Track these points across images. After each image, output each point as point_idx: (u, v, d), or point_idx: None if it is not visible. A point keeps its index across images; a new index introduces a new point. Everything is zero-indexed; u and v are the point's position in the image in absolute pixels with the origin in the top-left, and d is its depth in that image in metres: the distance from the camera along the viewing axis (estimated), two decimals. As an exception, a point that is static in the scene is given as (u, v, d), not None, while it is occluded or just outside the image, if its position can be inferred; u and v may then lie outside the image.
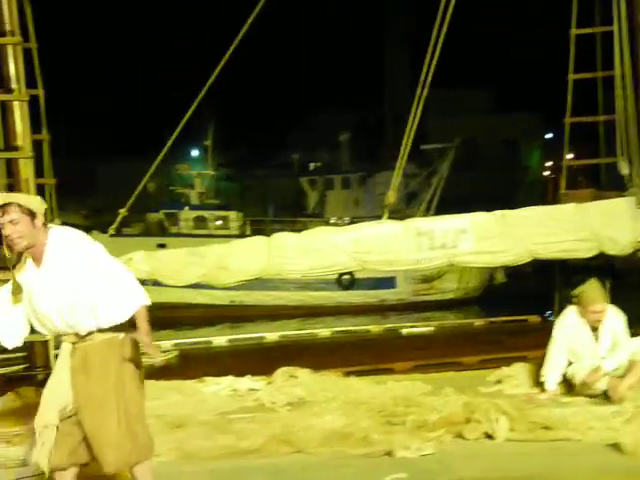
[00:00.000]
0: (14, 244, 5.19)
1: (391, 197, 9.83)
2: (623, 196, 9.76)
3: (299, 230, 10.46)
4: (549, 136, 55.39)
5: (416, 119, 9.77)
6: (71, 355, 5.39)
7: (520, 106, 58.48)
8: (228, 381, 8.79)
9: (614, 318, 8.25)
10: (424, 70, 9.76)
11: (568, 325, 8.26)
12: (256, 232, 28.91)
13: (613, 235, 9.30)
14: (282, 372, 8.78)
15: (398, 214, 27.87)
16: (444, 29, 9.62)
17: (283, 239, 9.29)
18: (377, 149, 50.37)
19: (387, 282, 29.80)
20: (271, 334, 12.04)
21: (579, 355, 8.20)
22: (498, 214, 9.44)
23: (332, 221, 34.84)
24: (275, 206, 42.84)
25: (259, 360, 10.05)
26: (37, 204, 5.29)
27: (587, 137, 11.49)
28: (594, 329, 8.19)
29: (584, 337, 8.21)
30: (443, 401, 7.65)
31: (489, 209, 9.55)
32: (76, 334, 5.36)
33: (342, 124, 48.49)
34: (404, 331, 11.84)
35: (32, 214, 5.19)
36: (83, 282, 5.16)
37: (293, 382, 8.58)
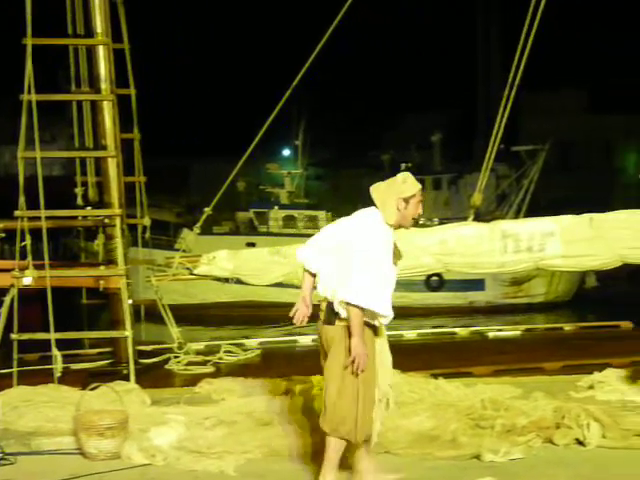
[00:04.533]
0: (414, 222, 6.11)
1: (477, 199, 9.75)
2: None
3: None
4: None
5: (504, 120, 9.68)
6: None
7: (616, 107, 57.31)
8: (316, 380, 8.82)
9: None
10: (513, 70, 9.67)
11: None
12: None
13: None
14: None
15: (489, 216, 27.68)
16: (534, 27, 9.51)
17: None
18: (469, 150, 50.04)
19: (476, 284, 29.54)
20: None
21: None
22: (587, 217, 9.28)
23: (421, 222, 34.64)
24: (364, 206, 42.71)
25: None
26: None
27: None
28: None
29: None
30: (533, 405, 7.56)
31: (582, 212, 9.40)
32: None
33: (434, 124, 48.22)
34: (490, 334, 11.74)
35: None
36: None
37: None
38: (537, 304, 30.34)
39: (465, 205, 34.66)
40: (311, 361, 10.44)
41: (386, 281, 5.87)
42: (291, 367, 9.47)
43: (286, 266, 9.69)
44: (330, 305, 6.01)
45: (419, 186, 6.07)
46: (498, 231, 9.10)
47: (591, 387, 8.48)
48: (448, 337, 11.90)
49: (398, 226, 6.07)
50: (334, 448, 5.98)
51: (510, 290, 30.59)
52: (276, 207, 35.77)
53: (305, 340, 11.82)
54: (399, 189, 6.03)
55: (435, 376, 8.72)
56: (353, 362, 5.81)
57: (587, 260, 9.45)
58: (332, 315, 5.99)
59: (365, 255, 5.80)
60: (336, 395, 5.95)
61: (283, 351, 11.43)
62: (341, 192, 52.60)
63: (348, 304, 5.78)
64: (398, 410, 7.65)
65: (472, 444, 6.82)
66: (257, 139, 10.62)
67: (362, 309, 5.76)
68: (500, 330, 12.12)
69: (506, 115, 9.75)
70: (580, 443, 6.91)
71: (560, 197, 40.13)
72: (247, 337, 14.40)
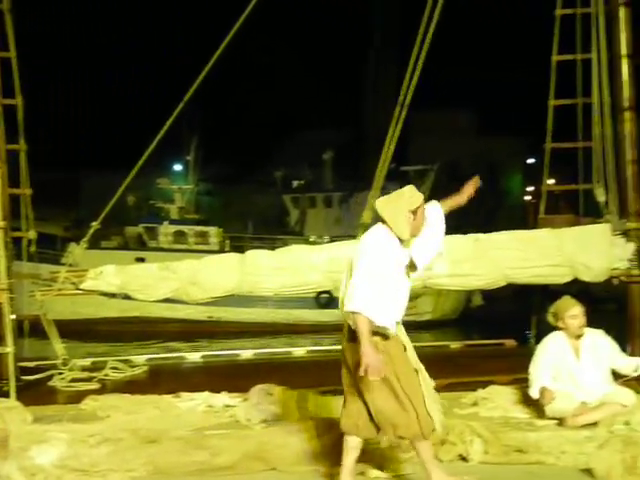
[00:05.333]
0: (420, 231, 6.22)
1: (367, 217, 9.84)
2: (599, 222, 9.83)
3: (278, 247, 10.46)
4: (531, 161, 55.83)
5: (394, 140, 9.82)
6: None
7: (503, 130, 58.85)
8: (204, 397, 8.77)
9: (599, 343, 8.21)
10: (403, 90, 9.83)
11: (553, 347, 8.17)
12: (235, 248, 28.93)
13: (587, 261, 9.36)
14: (258, 389, 8.76)
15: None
16: (424, 51, 9.69)
17: (257, 256, 9.30)
18: (360, 168, 50.57)
19: (366, 302, 29.77)
20: (245, 352, 12.02)
21: (561, 379, 8.15)
22: (473, 237, 9.48)
23: (312, 239, 34.86)
24: (256, 222, 42.85)
25: (233, 377, 10.03)
26: None
27: (569, 162, 11.56)
28: (577, 354, 8.16)
29: (568, 361, 8.13)
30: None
31: (468, 233, 9.58)
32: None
33: (327, 142, 48.56)
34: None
35: None
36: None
37: (269, 399, 8.56)
38: (424, 322, 30.76)
39: (356, 223, 34.95)
40: (198, 377, 10.42)
41: (387, 292, 6.01)
42: (178, 383, 9.38)
43: (175, 282, 9.61)
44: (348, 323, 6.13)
45: (422, 195, 6.27)
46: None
47: (475, 404, 8.63)
48: (337, 354, 11.92)
49: (412, 237, 6.21)
50: (422, 450, 6.19)
51: (398, 308, 30.95)
52: (166, 222, 35.54)
53: (193, 357, 11.73)
54: (409, 202, 6.18)
55: (323, 393, 8.76)
56: (366, 371, 5.83)
57: (472, 279, 9.66)
58: (351, 332, 6.11)
59: (364, 267, 5.95)
60: (393, 407, 6.11)
61: (170, 367, 11.31)
62: (233, 208, 52.55)
63: (353, 313, 5.89)
64: (286, 427, 7.69)
65: (359, 460, 6.85)
66: (147, 153, 10.53)
67: (367, 317, 5.85)
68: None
69: (396, 135, 9.89)
70: (463, 459, 7.03)
71: (447, 217, 40.78)
72: (134, 353, 14.21)
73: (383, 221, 6.19)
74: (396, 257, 6.12)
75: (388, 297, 6.04)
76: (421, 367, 6.46)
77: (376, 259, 5.99)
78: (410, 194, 6.22)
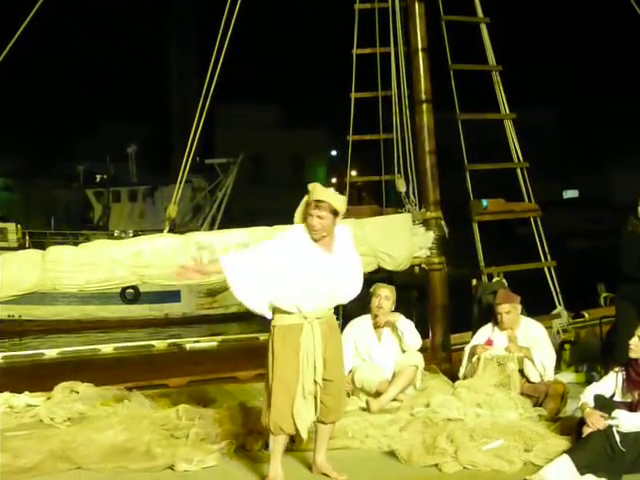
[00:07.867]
0: (314, 232, 6.20)
1: (172, 210, 9.79)
2: (400, 213, 10.14)
3: (81, 243, 10.23)
4: (334, 153, 56.99)
5: (198, 132, 9.78)
6: (317, 327, 6.27)
7: (307, 123, 59.74)
8: (4, 398, 8.49)
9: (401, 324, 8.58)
10: (206, 83, 9.80)
11: (356, 327, 8.61)
12: (36, 245, 28.08)
13: (390, 251, 9.62)
14: (62, 387, 8.58)
15: (185, 227, 27.81)
16: (226, 41, 9.68)
17: (59, 252, 9.04)
18: (166, 161, 50.16)
19: (172, 296, 29.53)
20: (50, 350, 11.73)
21: (361, 359, 8.55)
22: (278, 229, 9.59)
23: (116, 234, 34.27)
24: (59, 218, 41.74)
25: (37, 377, 9.77)
26: (342, 206, 6.26)
27: (372, 154, 11.84)
28: (380, 337, 8.56)
29: (368, 343, 8.55)
30: (226, 414, 7.68)
31: (274, 224, 9.67)
32: (328, 309, 6.38)
33: (131, 135, 47.92)
34: (187, 346, 11.82)
35: (336, 214, 6.21)
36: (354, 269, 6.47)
37: (74, 397, 8.41)
38: (231, 314, 30.82)
39: (161, 217, 34.61)
40: (0, 379, 10.06)
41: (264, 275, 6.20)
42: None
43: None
44: None
45: (311, 196, 6.29)
46: (193, 243, 9.17)
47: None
48: (145, 350, 11.85)
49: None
50: (273, 442, 6.40)
51: (205, 301, 30.87)
52: (-39, 219, 34.06)
53: None
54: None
55: (130, 389, 8.67)
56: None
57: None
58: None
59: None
60: (265, 396, 6.40)
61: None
62: (33, 203, 51.01)
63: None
64: (91, 424, 7.55)
65: (166, 454, 6.82)
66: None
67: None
68: (197, 342, 12.23)
69: (200, 128, 9.85)
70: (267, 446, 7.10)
71: (253, 209, 41.19)
72: None
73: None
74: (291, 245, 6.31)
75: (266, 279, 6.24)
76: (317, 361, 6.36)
77: (268, 242, 6.46)
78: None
